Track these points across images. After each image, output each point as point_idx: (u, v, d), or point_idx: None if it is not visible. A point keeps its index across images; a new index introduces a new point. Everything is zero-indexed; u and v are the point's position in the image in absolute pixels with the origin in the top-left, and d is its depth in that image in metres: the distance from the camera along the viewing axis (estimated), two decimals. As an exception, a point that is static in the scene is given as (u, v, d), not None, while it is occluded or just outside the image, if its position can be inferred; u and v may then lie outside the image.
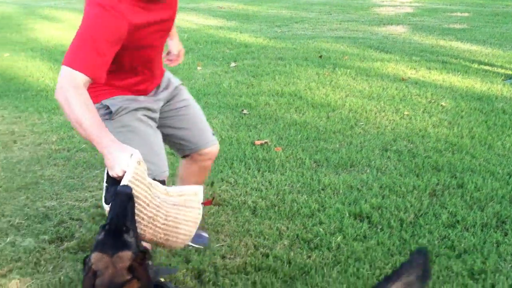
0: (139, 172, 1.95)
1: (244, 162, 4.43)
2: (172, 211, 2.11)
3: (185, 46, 3.18)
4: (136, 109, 2.58)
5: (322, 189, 3.94)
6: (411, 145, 4.76)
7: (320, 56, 8.57)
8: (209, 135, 3.00)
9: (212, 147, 3.02)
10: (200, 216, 2.22)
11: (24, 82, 7.31)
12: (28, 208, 3.71)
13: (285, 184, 4.03)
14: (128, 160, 1.95)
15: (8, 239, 3.31)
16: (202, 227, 3.33)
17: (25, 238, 3.33)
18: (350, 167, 4.34)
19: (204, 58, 8.75)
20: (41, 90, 6.87)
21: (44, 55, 9.18)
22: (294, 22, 13.13)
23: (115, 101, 2.52)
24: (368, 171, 4.25)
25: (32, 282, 2.89)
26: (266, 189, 3.96)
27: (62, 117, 5.57)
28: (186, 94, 2.96)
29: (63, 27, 12.47)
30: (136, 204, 1.92)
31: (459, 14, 13.78)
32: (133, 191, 1.90)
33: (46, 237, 3.32)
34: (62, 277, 2.93)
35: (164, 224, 2.06)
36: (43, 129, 5.39)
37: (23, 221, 3.54)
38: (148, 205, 1.98)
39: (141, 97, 2.65)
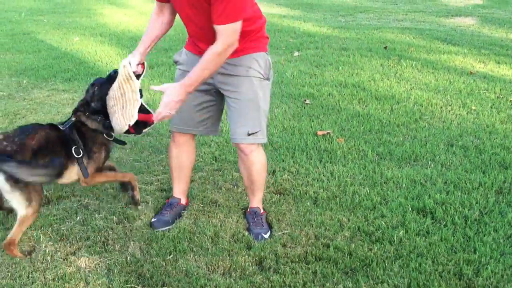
0: (121, 71, 3.06)
1: (306, 152, 4.44)
2: (119, 105, 3.10)
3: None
4: (183, 70, 3.15)
5: (385, 182, 3.91)
6: (478, 141, 4.65)
7: (385, 47, 8.46)
8: (235, 131, 3.13)
9: (237, 144, 3.17)
10: (133, 119, 3.10)
11: (94, 67, 7.54)
12: (97, 189, 3.84)
13: (347, 176, 4.02)
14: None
15: (78, 218, 3.45)
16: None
17: (94, 218, 3.46)
18: (414, 161, 4.28)
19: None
20: (110, 74, 7.06)
21: (113, 40, 9.44)
22: (358, 11, 12.98)
23: (181, 53, 3.26)
24: (432, 166, 4.18)
25: (100, 261, 3.01)
26: (327, 180, 3.96)
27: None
28: (245, 88, 3.04)
29: (131, 13, 12.76)
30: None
31: (531, 6, 13.26)
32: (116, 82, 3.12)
33: (114, 217, 3.44)
34: (128, 257, 3.04)
35: (111, 107, 3.15)
36: (111, 113, 5.54)
37: (92, 201, 3.68)
38: (112, 89, 3.13)
39: (197, 57, 2.94)
